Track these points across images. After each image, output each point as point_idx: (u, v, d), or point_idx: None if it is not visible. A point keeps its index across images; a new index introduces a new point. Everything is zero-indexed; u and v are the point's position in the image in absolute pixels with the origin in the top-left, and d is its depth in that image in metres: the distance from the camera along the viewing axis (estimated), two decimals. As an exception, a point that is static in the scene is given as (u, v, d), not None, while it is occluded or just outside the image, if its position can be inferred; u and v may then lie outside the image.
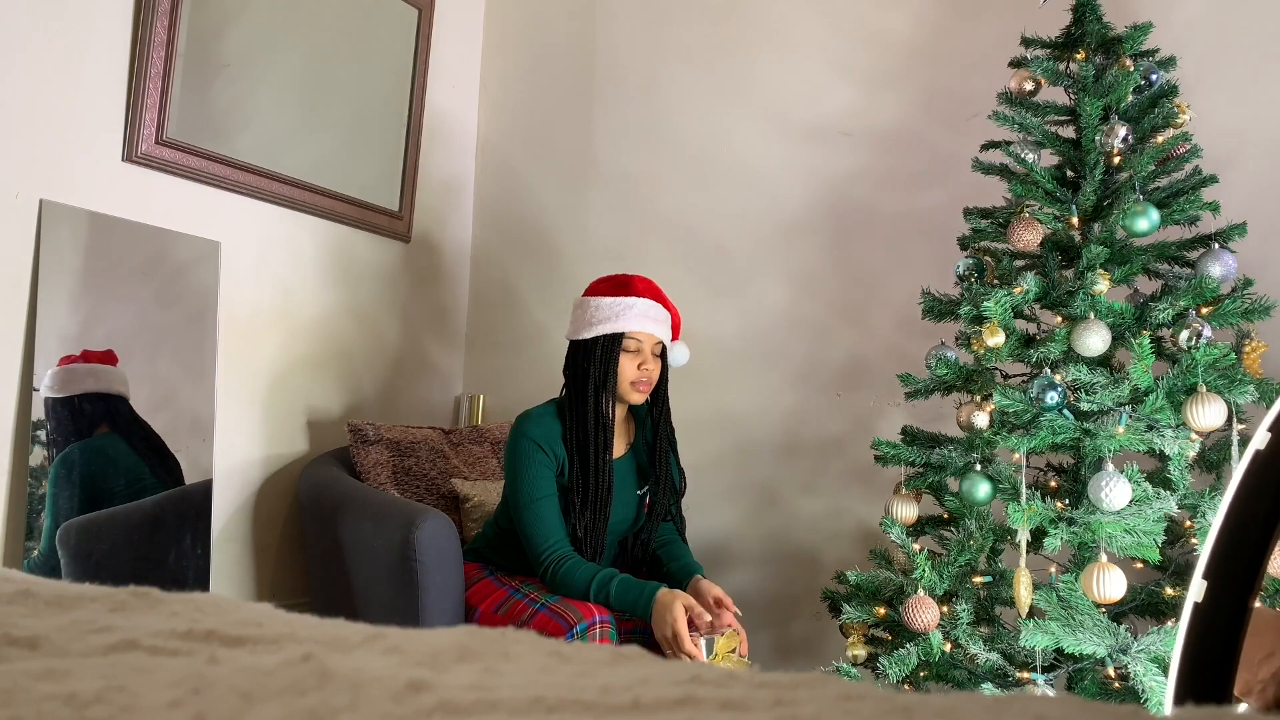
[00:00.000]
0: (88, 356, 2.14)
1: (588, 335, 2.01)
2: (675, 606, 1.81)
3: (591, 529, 1.99)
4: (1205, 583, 0.75)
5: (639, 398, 2.03)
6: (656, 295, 2.07)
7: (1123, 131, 1.92)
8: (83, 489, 2.09)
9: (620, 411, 2.08)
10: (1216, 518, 0.76)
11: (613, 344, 1.99)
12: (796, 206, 2.76)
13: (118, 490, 2.17)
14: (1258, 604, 1.40)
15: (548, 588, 1.95)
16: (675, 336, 2.15)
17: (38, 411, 2.00)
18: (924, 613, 1.82)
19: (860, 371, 2.64)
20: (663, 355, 2.08)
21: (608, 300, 2.01)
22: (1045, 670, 1.82)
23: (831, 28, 2.75)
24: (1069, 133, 2.06)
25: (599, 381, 1.99)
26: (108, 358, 2.18)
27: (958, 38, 2.58)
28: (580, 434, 1.99)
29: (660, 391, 2.10)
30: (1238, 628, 0.73)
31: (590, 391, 1.99)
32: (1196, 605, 0.75)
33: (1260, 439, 0.75)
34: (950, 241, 2.20)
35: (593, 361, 1.99)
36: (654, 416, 2.12)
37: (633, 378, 2.01)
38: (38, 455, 2.00)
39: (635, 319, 1.99)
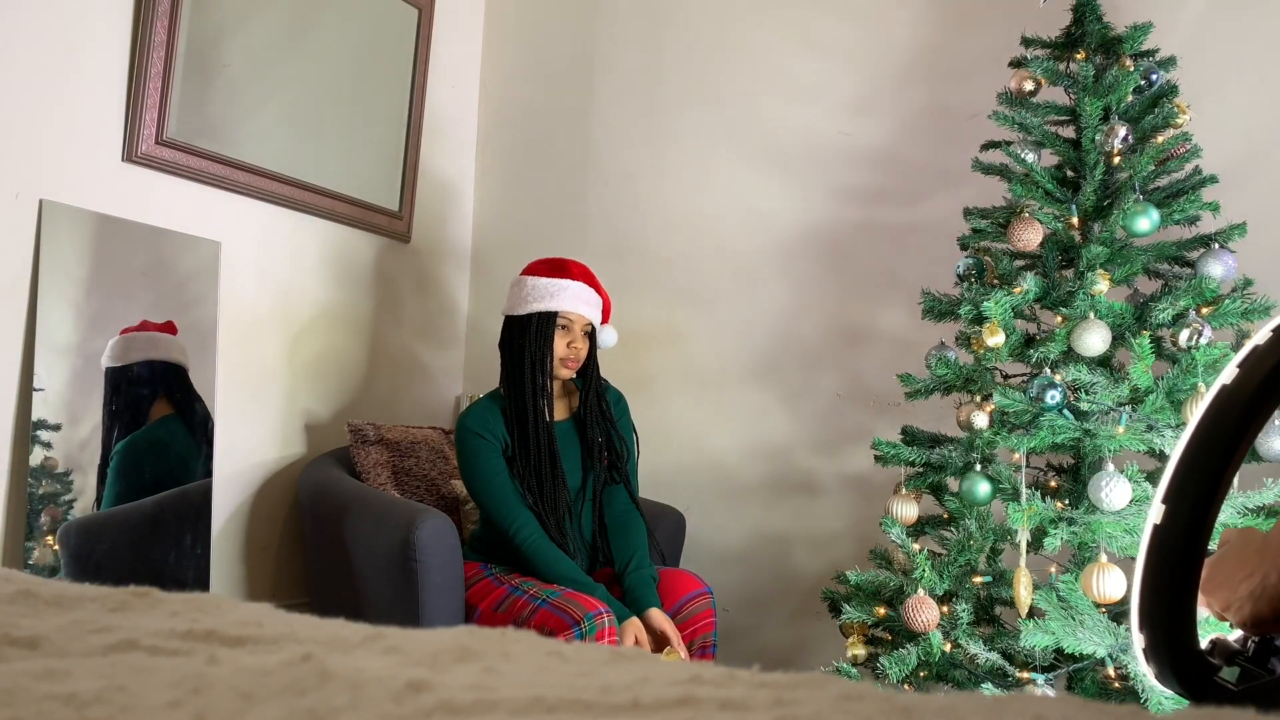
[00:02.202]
0: (146, 326, 2.22)
1: (523, 311, 2.15)
2: (627, 635, 1.94)
3: (551, 494, 2.09)
4: (1164, 506, 0.77)
5: (567, 373, 2.17)
6: (590, 280, 2.20)
7: (1123, 131, 1.92)
8: (141, 480, 2.21)
9: (555, 384, 2.21)
10: (1178, 447, 0.78)
11: (547, 321, 2.13)
12: (797, 206, 2.76)
13: (176, 476, 2.28)
14: (1247, 524, 1.40)
15: (533, 568, 2.05)
16: (605, 320, 2.27)
17: (38, 411, 2.00)
18: (924, 613, 1.82)
19: (860, 373, 2.64)
20: (591, 336, 2.21)
21: (544, 280, 2.15)
22: (1045, 670, 1.82)
23: (828, 38, 2.75)
24: (1069, 133, 2.06)
25: (534, 356, 2.12)
26: (167, 328, 2.27)
27: (954, 49, 2.58)
28: (519, 404, 2.12)
29: (590, 369, 2.23)
30: (1195, 546, 0.75)
31: (526, 365, 2.12)
32: (1156, 526, 0.78)
33: (1228, 374, 0.77)
34: (948, 253, 2.20)
35: (528, 337, 2.13)
36: (583, 392, 2.24)
37: (562, 354, 2.15)
38: (38, 455, 2.00)
39: (569, 300, 2.14)
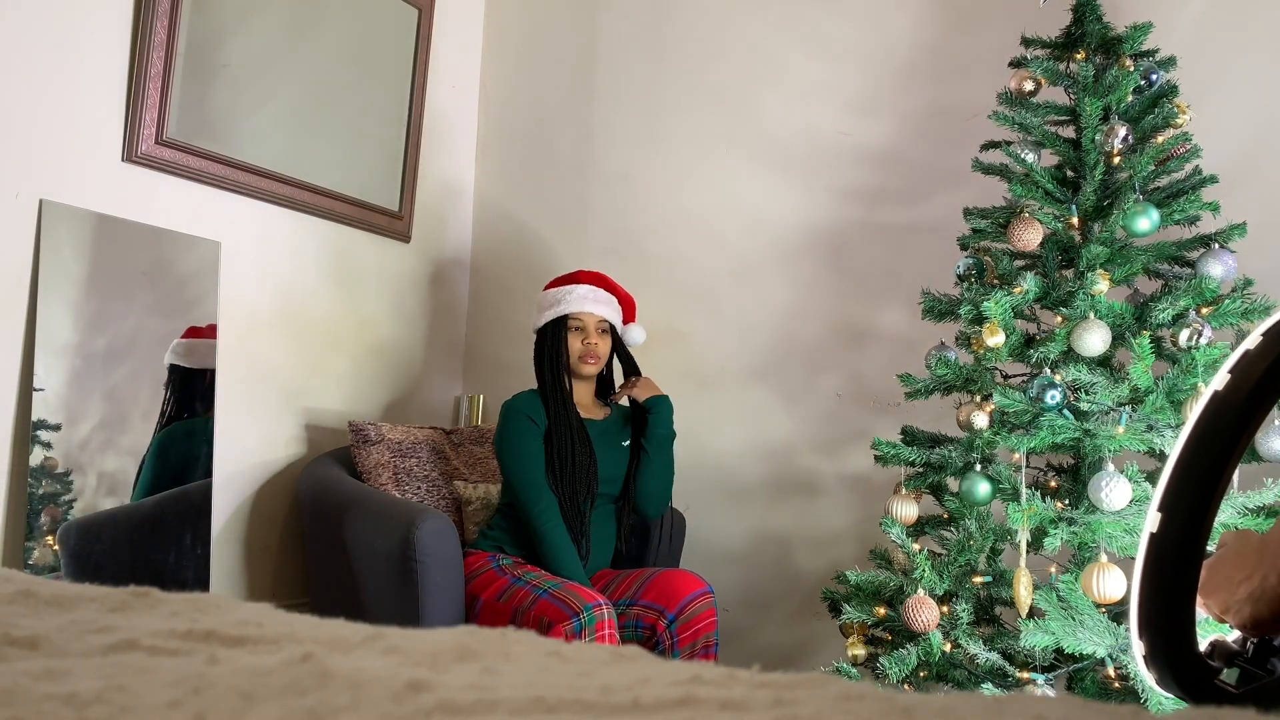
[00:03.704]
0: (207, 333, 2.35)
1: (541, 323, 2.30)
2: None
3: (571, 479, 2.17)
4: (1160, 514, 0.78)
5: (588, 369, 2.28)
6: (600, 283, 2.32)
7: (1123, 131, 1.92)
8: (173, 466, 2.29)
9: (586, 386, 2.33)
10: (1172, 454, 0.78)
11: (559, 326, 2.27)
12: (797, 206, 2.76)
13: (194, 470, 2.35)
14: (1247, 525, 1.41)
15: (541, 553, 2.12)
16: (631, 318, 2.39)
17: (38, 411, 2.00)
18: (924, 613, 1.82)
19: (861, 373, 2.64)
20: (614, 335, 2.33)
21: (554, 291, 2.32)
22: (1045, 670, 1.82)
23: (829, 38, 2.75)
24: (1069, 133, 2.06)
25: (551, 358, 2.26)
26: (209, 332, 2.38)
27: (954, 49, 2.58)
28: (554, 408, 2.21)
29: (624, 365, 2.37)
30: (1192, 552, 0.76)
31: (546, 368, 2.26)
32: (1152, 535, 0.78)
33: (1220, 380, 0.77)
34: (949, 252, 2.19)
35: (546, 343, 2.28)
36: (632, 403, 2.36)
37: (579, 353, 2.26)
38: (38, 455, 2.00)
39: (575, 301, 2.27)
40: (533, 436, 2.19)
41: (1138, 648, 0.79)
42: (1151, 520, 0.78)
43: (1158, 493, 0.79)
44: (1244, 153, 2.15)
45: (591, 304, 2.28)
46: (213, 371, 2.36)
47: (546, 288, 2.36)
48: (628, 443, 2.32)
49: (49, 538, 2.00)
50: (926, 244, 2.49)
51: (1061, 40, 2.07)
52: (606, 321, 2.31)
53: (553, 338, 2.27)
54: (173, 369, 2.27)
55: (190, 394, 2.31)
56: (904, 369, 2.14)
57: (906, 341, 2.46)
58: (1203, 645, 0.80)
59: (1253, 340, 0.77)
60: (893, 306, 2.59)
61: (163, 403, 2.25)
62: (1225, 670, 0.80)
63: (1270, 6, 2.20)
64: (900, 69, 2.65)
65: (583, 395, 2.32)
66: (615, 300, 2.35)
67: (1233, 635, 0.82)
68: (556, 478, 2.17)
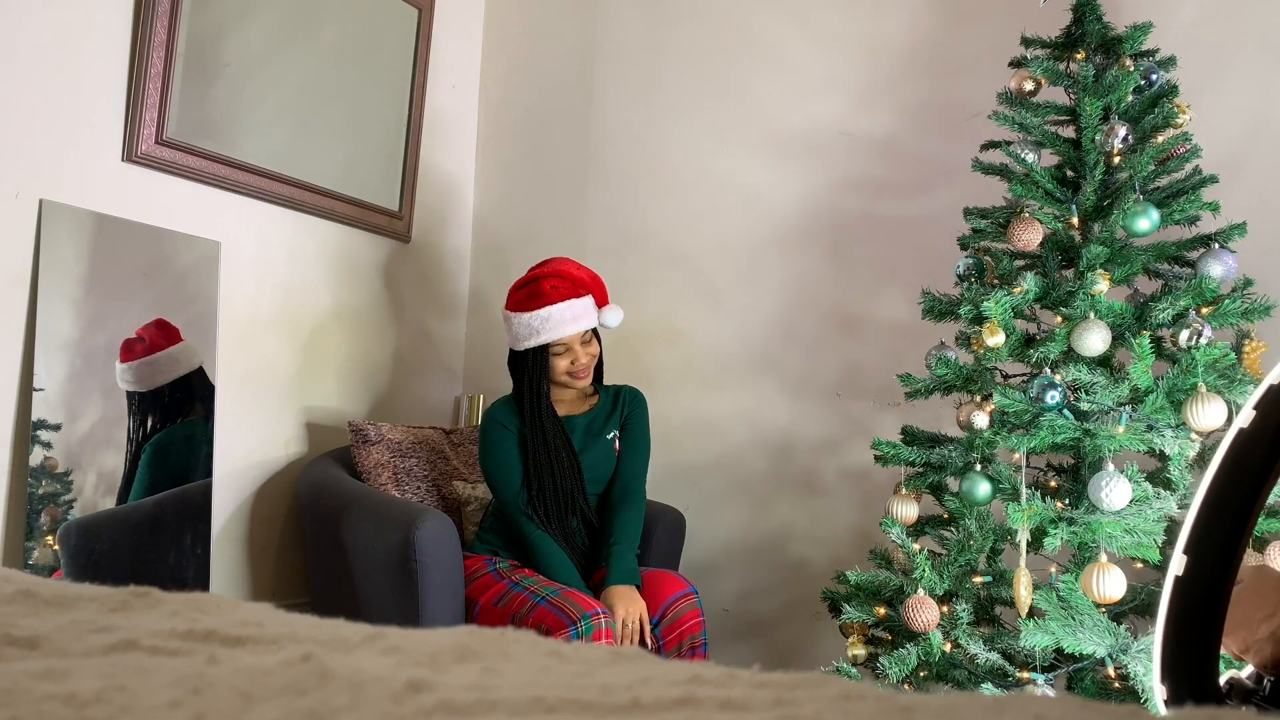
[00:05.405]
0: (153, 342, 2.23)
1: (520, 349, 2.19)
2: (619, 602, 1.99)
3: (552, 487, 2.14)
4: (1186, 557, 0.76)
5: (582, 384, 2.22)
6: (569, 290, 2.17)
7: (1123, 131, 1.92)
8: (172, 472, 2.29)
9: (570, 393, 2.27)
10: (1197, 494, 0.76)
11: (540, 355, 2.18)
12: (796, 205, 2.76)
13: (197, 472, 2.34)
14: (1265, 564, 1.42)
15: (534, 561, 2.11)
16: (604, 302, 2.25)
17: (38, 411, 2.00)
18: (924, 613, 1.82)
19: (863, 370, 2.64)
20: (595, 331, 2.24)
21: (525, 317, 2.16)
22: (1045, 670, 1.82)
23: (830, 33, 2.75)
24: (1069, 133, 2.06)
25: (533, 385, 2.19)
26: (172, 335, 2.28)
27: (954, 45, 2.58)
28: (530, 418, 2.18)
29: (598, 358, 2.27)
30: (1218, 597, 0.74)
31: (526, 394, 2.19)
32: (1177, 578, 0.76)
33: (1245, 417, 0.76)
34: (947, 249, 2.19)
35: (526, 369, 2.19)
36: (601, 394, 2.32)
37: (569, 371, 2.18)
38: (38, 455, 2.00)
39: (553, 328, 2.14)
40: (510, 445, 2.16)
41: (1159, 690, 0.77)
42: (1177, 563, 0.75)
43: (1183, 534, 0.76)
44: (1244, 152, 2.15)
45: (571, 325, 2.14)
46: (177, 379, 2.28)
47: (513, 304, 2.20)
48: (612, 434, 2.26)
49: (49, 538, 2.00)
50: (928, 238, 2.48)
51: (1061, 40, 2.07)
52: (589, 330, 2.22)
53: (534, 367, 2.17)
54: (132, 397, 2.19)
55: (160, 409, 2.25)
56: (906, 366, 2.14)
57: (909, 337, 2.46)
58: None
59: (1277, 375, 0.76)
60: (898, 303, 2.59)
61: (128, 428, 2.17)
62: (1242, 708, 0.79)
63: (1270, 6, 2.20)
64: (901, 65, 2.65)
65: (567, 392, 2.27)
66: (588, 298, 2.20)
67: (1246, 671, 0.81)
68: (537, 484, 2.14)
